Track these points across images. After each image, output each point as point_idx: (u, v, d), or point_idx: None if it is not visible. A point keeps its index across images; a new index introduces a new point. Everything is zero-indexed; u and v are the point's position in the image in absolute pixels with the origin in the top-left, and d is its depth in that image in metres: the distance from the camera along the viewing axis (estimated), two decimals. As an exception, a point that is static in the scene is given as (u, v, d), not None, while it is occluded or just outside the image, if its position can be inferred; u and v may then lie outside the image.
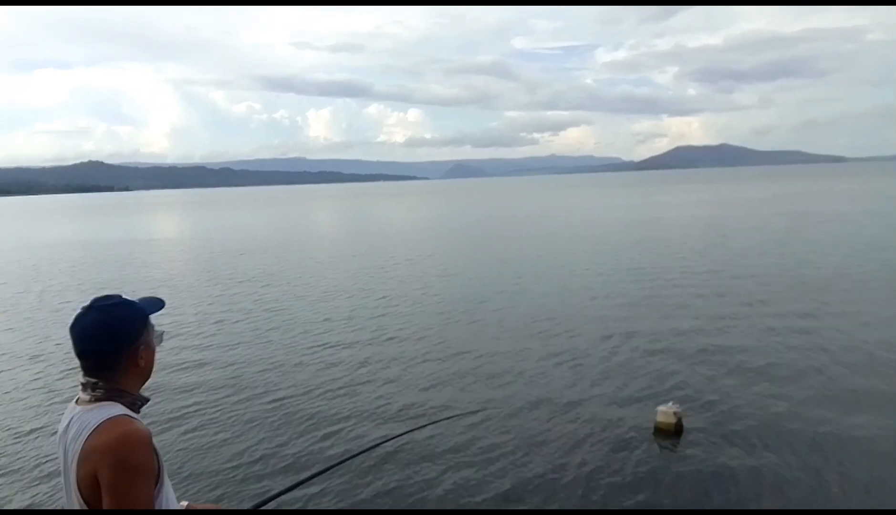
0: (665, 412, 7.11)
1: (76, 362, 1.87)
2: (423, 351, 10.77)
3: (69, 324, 1.86)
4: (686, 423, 7.09)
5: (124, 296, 1.94)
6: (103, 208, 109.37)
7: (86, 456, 1.69)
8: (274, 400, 8.52)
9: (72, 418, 1.79)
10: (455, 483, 6.08)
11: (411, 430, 2.67)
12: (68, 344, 1.84)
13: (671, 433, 6.96)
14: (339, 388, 8.93)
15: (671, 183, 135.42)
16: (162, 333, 2.00)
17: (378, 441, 3.11)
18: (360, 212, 66.30)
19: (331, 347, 11.18)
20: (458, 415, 7.47)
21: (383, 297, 15.74)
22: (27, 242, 39.36)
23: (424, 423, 7.12)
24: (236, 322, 13.55)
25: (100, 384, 1.80)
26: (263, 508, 2.31)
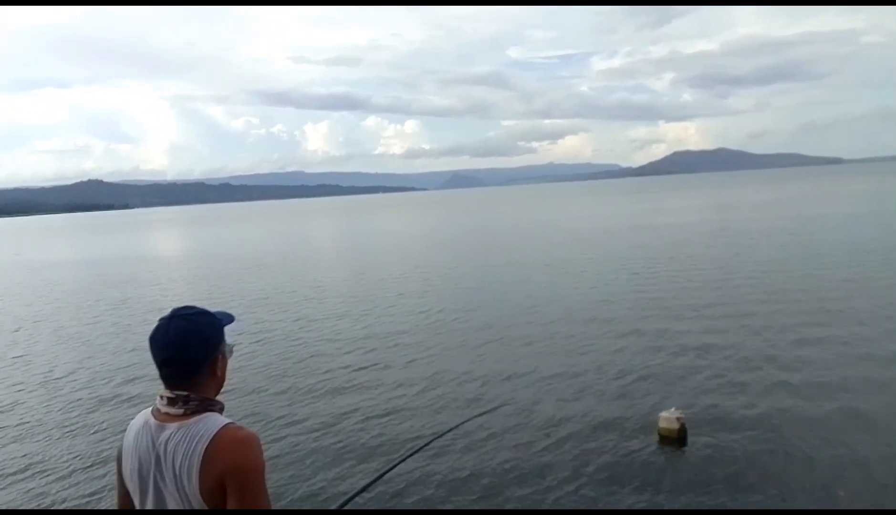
0: (668, 418, 7.02)
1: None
2: (412, 359, 10.77)
3: (149, 335, 1.86)
4: (690, 429, 7.01)
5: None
6: (110, 226, 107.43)
7: (207, 464, 1.74)
8: (308, 420, 8.39)
9: (169, 433, 1.79)
10: (451, 493, 6.04)
11: (411, 454, 2.50)
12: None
13: (674, 439, 6.88)
14: (354, 412, 8.80)
15: (670, 188, 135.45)
16: (232, 346, 2.01)
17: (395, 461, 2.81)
18: (365, 225, 66.32)
19: (363, 369, 10.65)
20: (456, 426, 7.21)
21: (397, 307, 15.72)
22: (47, 263, 39.36)
23: (428, 440, 7.04)
24: (263, 337, 12.93)
25: (191, 396, 1.82)
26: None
